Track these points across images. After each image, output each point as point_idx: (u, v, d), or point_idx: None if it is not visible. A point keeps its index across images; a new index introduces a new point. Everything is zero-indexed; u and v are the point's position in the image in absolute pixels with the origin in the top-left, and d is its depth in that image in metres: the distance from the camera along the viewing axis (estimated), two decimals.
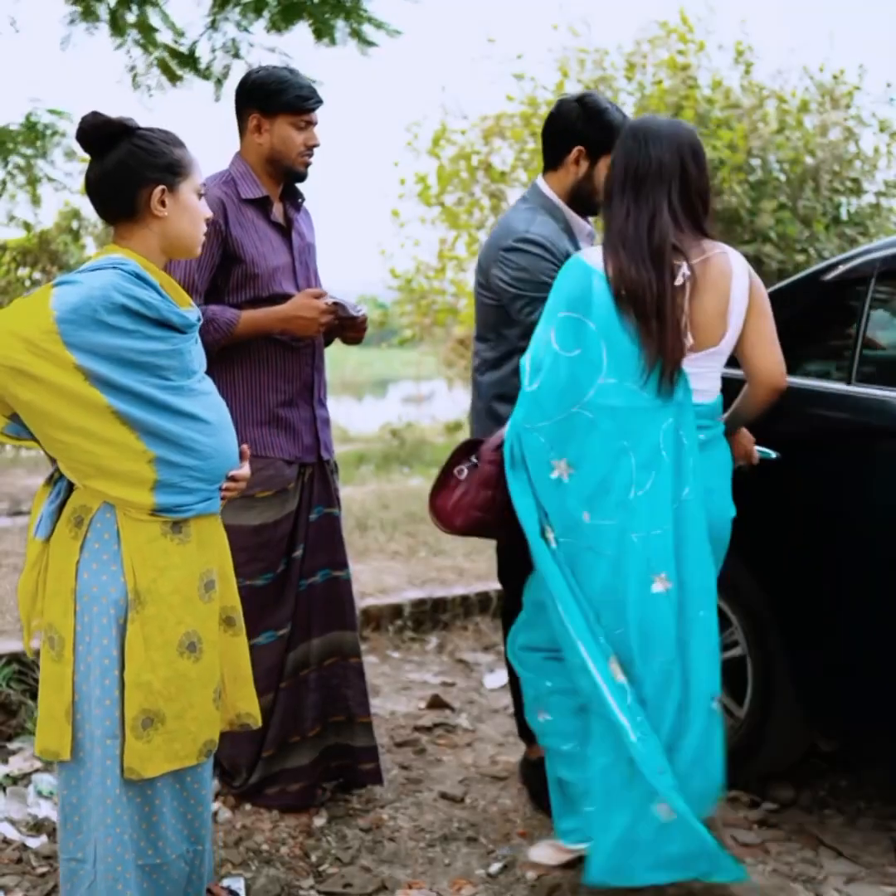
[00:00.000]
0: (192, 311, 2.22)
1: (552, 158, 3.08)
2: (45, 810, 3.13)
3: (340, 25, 5.56)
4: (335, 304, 2.95)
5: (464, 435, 11.20)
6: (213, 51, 5.72)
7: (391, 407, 15.70)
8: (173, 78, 5.69)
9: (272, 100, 2.94)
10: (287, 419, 3.02)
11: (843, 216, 9.99)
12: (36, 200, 8.40)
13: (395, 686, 4.08)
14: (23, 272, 9.66)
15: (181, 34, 5.46)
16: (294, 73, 2.98)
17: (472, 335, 3.26)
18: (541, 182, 3.12)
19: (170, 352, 2.14)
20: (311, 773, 3.13)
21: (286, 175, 3.03)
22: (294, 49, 5.59)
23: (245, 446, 2.36)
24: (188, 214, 2.20)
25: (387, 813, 3.17)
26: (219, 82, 5.77)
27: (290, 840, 3.01)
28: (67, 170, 7.98)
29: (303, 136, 2.97)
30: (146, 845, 2.23)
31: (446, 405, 12.52)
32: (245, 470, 2.31)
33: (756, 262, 9.26)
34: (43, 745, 2.21)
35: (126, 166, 2.14)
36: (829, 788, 3.32)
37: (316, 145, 3.01)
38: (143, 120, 2.21)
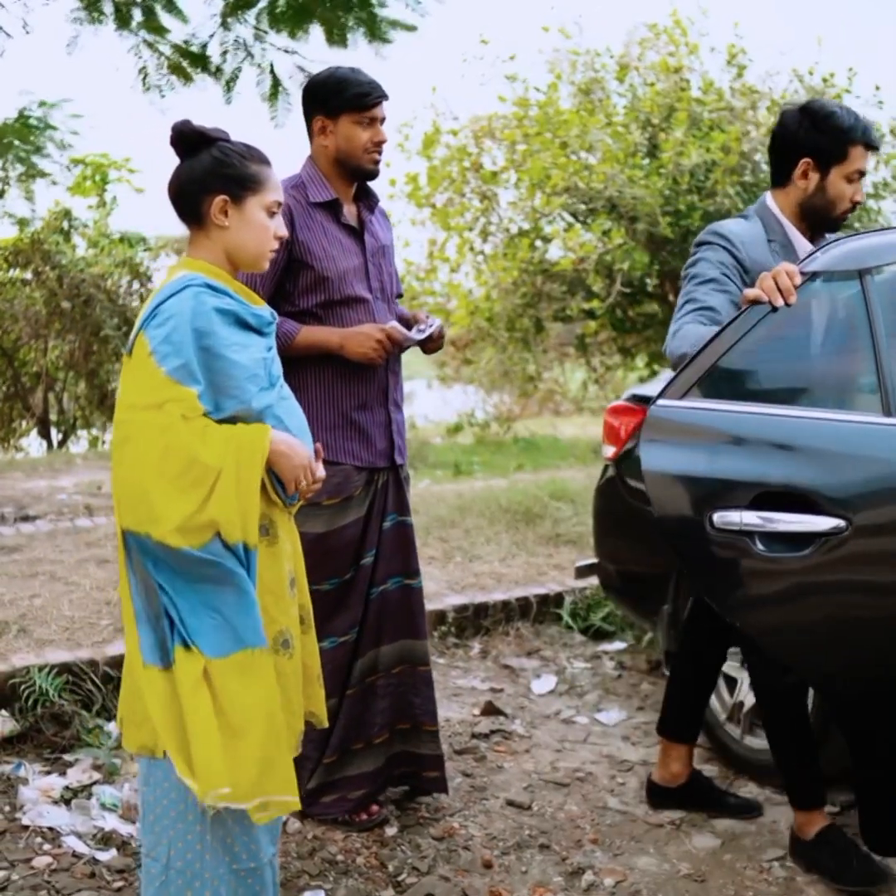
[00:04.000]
0: (264, 308, 2.27)
1: (778, 175, 2.90)
2: (112, 823, 3.09)
3: (352, 26, 5.55)
4: (396, 331, 2.95)
5: (464, 436, 11.24)
6: (224, 52, 5.68)
7: None
8: (186, 78, 5.64)
9: (333, 100, 2.95)
10: (360, 423, 3.01)
11: None
12: (30, 196, 8.32)
13: (445, 692, 4.07)
14: (14, 273, 9.57)
15: (187, 21, 5.40)
16: (355, 71, 2.97)
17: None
18: (768, 196, 2.95)
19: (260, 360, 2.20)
20: (374, 780, 3.11)
21: (355, 175, 3.02)
22: (306, 51, 5.55)
23: (319, 445, 2.35)
24: (251, 229, 2.22)
25: (457, 821, 3.17)
26: (228, 84, 5.74)
27: (364, 850, 3.00)
28: (62, 162, 7.91)
29: (368, 134, 2.96)
30: (240, 850, 2.23)
31: (435, 405, 12.50)
32: (321, 471, 2.31)
33: None
34: (140, 743, 2.19)
35: (195, 173, 2.21)
36: None
37: (383, 141, 2.99)
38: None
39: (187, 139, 2.22)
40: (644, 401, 3.84)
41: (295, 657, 2.27)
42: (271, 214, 2.24)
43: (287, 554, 2.27)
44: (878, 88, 10.02)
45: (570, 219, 10.04)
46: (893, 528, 2.30)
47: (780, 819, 3.22)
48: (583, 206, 9.71)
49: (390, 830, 3.10)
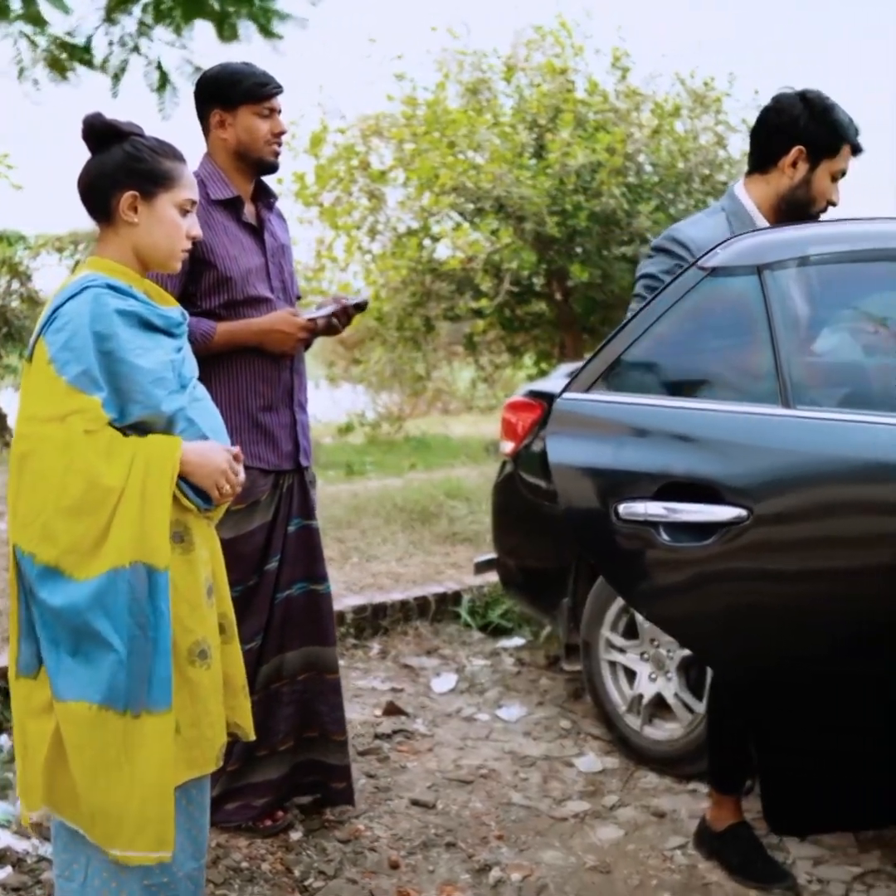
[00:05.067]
0: (174, 309, 2.19)
1: (763, 159, 2.75)
2: (5, 839, 2.98)
3: (245, 22, 5.49)
4: (312, 320, 2.93)
5: (355, 436, 11.20)
6: (110, 44, 5.55)
7: None
8: (62, 71, 5.50)
9: (231, 92, 2.88)
10: (266, 424, 2.94)
11: None
12: None
13: (346, 694, 4.02)
14: None
15: (68, 12, 5.28)
16: (248, 64, 2.92)
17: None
18: (739, 187, 2.81)
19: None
20: (279, 787, 3.05)
21: (256, 167, 2.95)
22: (193, 47, 5.47)
23: (237, 449, 2.28)
24: (162, 227, 2.15)
25: (362, 823, 3.14)
26: (116, 77, 5.61)
27: (269, 856, 2.95)
28: None
29: (268, 124, 2.90)
30: (152, 864, 2.17)
31: (325, 405, 12.42)
32: (242, 474, 2.25)
33: (633, 262, 9.53)
34: None
35: (104, 168, 2.13)
36: None
37: (283, 132, 2.95)
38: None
39: (98, 133, 2.14)
40: (542, 397, 3.87)
41: (213, 668, 2.18)
42: (184, 213, 2.17)
43: (204, 560, 2.19)
44: (756, 92, 10.31)
45: (459, 218, 10.09)
46: (793, 516, 2.36)
47: (682, 808, 3.27)
48: (471, 206, 9.76)
49: (295, 835, 3.05)
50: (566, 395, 2.52)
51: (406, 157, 9.99)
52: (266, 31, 5.39)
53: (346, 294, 3.07)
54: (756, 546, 2.32)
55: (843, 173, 2.74)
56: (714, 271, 2.46)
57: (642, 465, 2.43)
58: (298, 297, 3.15)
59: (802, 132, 2.66)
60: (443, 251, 10.15)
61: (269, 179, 3.10)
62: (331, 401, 12.52)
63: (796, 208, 2.73)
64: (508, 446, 3.98)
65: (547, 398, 3.78)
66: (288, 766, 3.06)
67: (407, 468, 8.05)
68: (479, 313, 10.11)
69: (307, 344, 3.02)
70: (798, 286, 2.50)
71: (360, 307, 3.03)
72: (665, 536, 2.38)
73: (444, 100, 10.06)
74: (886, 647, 2.33)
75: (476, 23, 13.99)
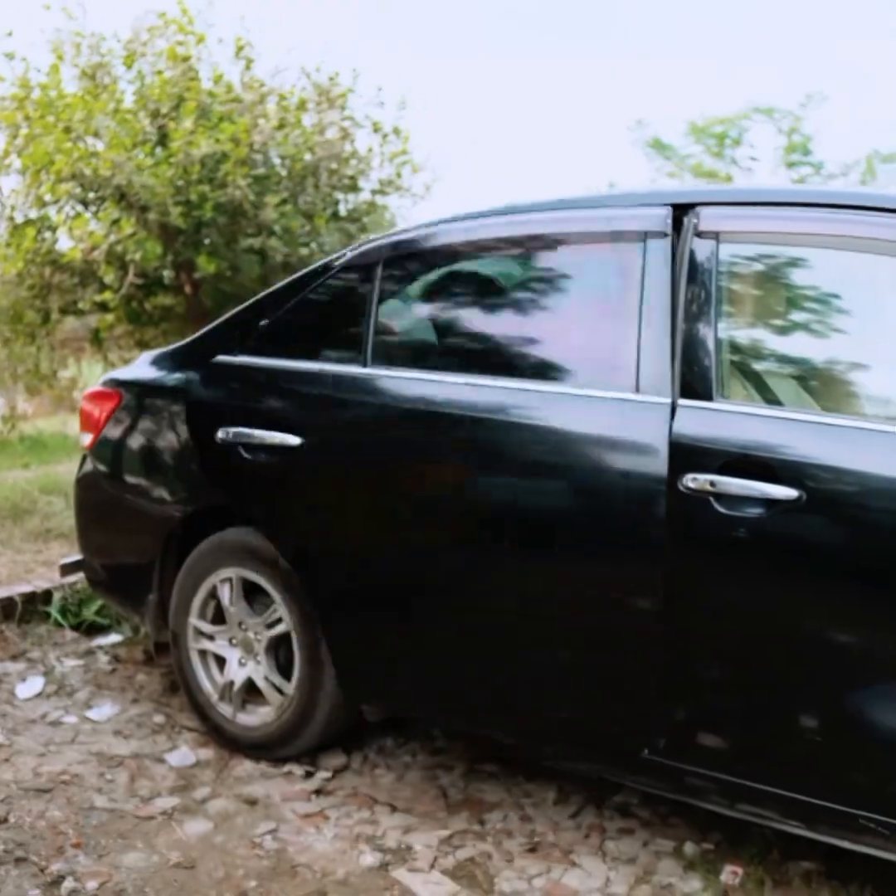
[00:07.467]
0: None
1: None
2: None
3: None
4: None
5: None
6: None
7: None
8: None
9: None
10: None
11: (342, 212, 10.50)
12: None
13: None
14: None
15: None
16: None
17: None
18: None
19: None
20: None
21: None
22: None
23: None
24: None
25: None
26: None
27: None
28: None
29: None
30: None
31: None
32: None
33: (261, 254, 9.49)
34: None
35: None
36: (377, 749, 3.50)
37: None
38: None
39: None
40: (120, 384, 3.73)
41: None
42: None
43: None
44: (380, 89, 10.52)
45: (81, 208, 9.65)
46: (336, 445, 3.12)
47: (275, 792, 3.24)
48: (92, 195, 9.36)
49: None
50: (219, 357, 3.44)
51: (20, 142, 9.43)
52: None
53: None
54: (310, 467, 3.14)
55: None
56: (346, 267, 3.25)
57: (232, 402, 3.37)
58: None
59: None
60: (66, 242, 9.68)
61: None
62: None
63: None
64: (87, 438, 3.77)
65: (125, 385, 3.67)
66: None
67: (18, 467, 7.63)
68: (104, 307, 9.73)
69: None
70: (402, 276, 3.20)
71: None
72: (246, 454, 3.24)
73: (59, 83, 9.57)
74: (431, 557, 2.98)
75: (94, 4, 13.39)
